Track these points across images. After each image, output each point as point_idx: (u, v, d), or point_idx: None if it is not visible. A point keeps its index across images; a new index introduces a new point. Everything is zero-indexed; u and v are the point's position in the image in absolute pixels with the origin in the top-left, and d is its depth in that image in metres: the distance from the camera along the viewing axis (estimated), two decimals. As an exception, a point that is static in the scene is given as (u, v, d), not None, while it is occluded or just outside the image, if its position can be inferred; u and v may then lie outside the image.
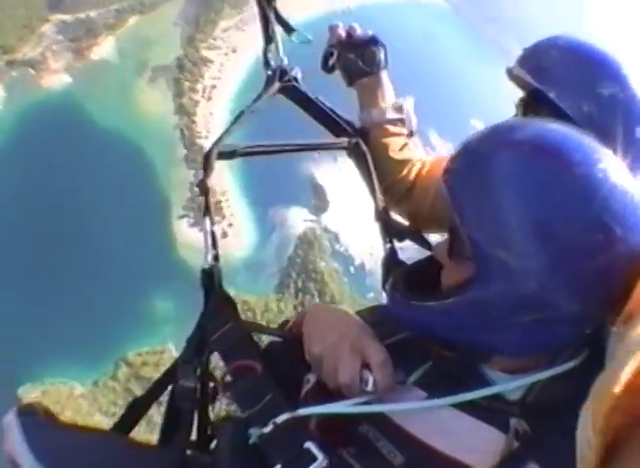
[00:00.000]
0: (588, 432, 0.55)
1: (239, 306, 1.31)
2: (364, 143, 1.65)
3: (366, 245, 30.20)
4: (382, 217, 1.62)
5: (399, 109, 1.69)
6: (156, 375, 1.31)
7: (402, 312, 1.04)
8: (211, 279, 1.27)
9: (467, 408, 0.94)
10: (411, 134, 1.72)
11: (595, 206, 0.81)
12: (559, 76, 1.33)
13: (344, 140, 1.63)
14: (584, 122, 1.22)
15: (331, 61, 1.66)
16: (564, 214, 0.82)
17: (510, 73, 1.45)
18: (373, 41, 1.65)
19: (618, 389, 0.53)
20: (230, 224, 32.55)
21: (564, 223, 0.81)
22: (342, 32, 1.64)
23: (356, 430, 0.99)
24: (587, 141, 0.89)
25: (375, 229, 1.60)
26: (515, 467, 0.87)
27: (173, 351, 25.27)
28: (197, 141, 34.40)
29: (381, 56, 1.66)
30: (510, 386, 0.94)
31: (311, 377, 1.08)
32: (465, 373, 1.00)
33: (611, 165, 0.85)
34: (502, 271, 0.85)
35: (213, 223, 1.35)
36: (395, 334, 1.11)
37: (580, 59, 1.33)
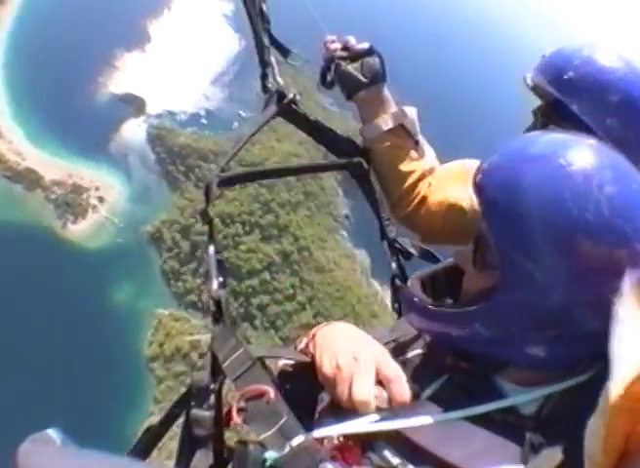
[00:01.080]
0: (599, 439, 0.56)
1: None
2: (366, 162, 1.64)
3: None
4: (388, 237, 1.60)
5: (401, 119, 1.63)
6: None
7: (418, 316, 1.04)
8: (219, 307, 1.27)
9: (482, 421, 0.92)
10: (416, 143, 1.66)
11: (620, 223, 0.81)
12: (582, 88, 1.28)
13: (346, 161, 1.62)
14: (608, 136, 1.19)
15: (329, 77, 1.63)
16: (588, 230, 0.81)
17: (528, 81, 1.41)
18: (370, 51, 1.61)
19: (617, 397, 0.53)
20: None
21: (589, 239, 0.81)
22: (338, 45, 1.61)
23: (371, 446, 0.99)
24: (618, 160, 0.88)
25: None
26: None
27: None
28: None
29: (379, 66, 1.60)
30: (525, 399, 0.93)
31: (325, 396, 1.08)
32: (479, 386, 0.98)
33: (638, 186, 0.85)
34: (527, 282, 0.84)
35: (217, 251, 1.35)
36: (411, 349, 1.10)
37: (604, 72, 1.28)
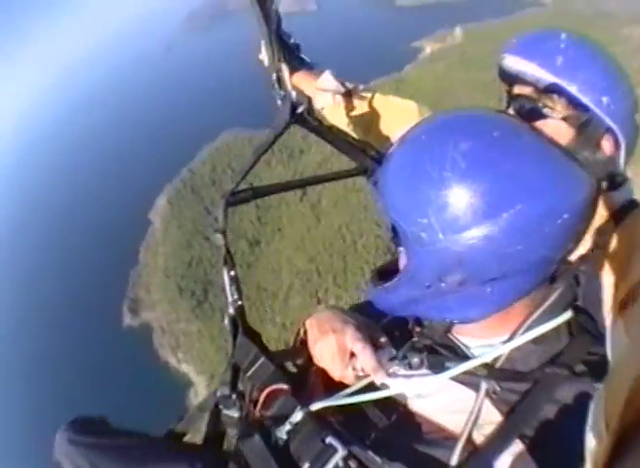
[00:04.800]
0: (600, 427, 0.58)
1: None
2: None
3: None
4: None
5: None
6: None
7: (371, 295, 1.16)
8: (235, 321, 1.36)
9: (442, 371, 1.06)
10: (349, 93, 1.75)
11: (478, 172, 0.90)
12: (578, 68, 1.31)
13: (362, 167, 1.60)
14: (606, 114, 1.28)
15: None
16: (449, 185, 0.90)
17: (509, 68, 1.39)
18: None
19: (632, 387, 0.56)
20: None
21: (452, 191, 0.90)
22: None
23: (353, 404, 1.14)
24: (477, 120, 0.99)
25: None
26: (500, 444, 0.95)
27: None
28: None
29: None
30: (487, 357, 1.04)
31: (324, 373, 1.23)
32: (441, 344, 1.12)
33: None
34: (419, 243, 0.95)
35: (233, 267, 1.41)
36: (382, 319, 1.26)
37: (592, 53, 1.33)
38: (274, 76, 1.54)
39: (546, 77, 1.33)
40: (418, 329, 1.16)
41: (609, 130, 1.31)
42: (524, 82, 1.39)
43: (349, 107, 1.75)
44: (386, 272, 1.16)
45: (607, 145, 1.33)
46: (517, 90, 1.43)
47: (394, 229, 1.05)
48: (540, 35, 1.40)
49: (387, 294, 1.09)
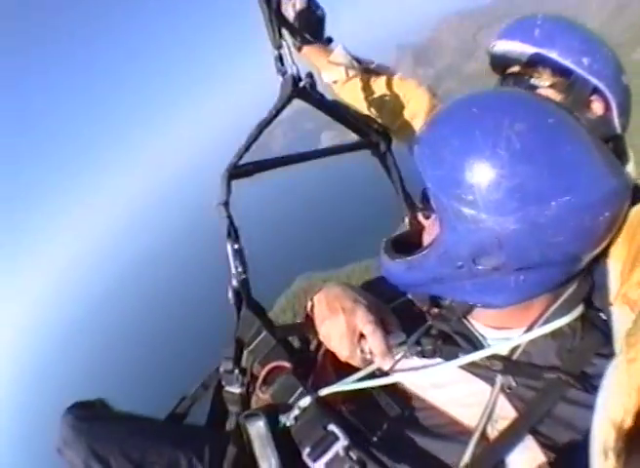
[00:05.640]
0: (624, 395, 0.57)
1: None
2: (387, 140, 1.60)
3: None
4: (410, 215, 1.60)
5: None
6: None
7: (388, 269, 1.09)
8: (239, 295, 1.35)
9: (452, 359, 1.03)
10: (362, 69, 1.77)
11: (534, 155, 0.85)
12: (554, 37, 1.40)
13: (366, 141, 1.59)
14: (590, 73, 1.35)
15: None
16: (502, 164, 0.85)
17: (497, 52, 1.49)
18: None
19: None
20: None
21: (504, 171, 0.85)
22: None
23: (362, 390, 1.11)
24: (530, 102, 0.95)
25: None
26: (512, 441, 0.92)
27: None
28: None
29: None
30: (503, 347, 1.01)
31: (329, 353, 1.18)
32: (456, 330, 1.08)
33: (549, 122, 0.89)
34: (458, 219, 0.90)
35: (238, 240, 1.41)
36: (395, 299, 1.21)
37: (568, 24, 1.43)
38: (276, 53, 1.55)
39: (528, 49, 1.41)
40: (435, 310, 1.11)
41: (596, 90, 1.37)
42: (511, 61, 1.47)
43: (362, 83, 1.76)
44: (402, 244, 1.11)
45: (597, 106, 1.38)
46: (507, 72, 1.51)
47: (425, 197, 1.02)
48: (520, 18, 1.51)
49: (409, 269, 1.03)
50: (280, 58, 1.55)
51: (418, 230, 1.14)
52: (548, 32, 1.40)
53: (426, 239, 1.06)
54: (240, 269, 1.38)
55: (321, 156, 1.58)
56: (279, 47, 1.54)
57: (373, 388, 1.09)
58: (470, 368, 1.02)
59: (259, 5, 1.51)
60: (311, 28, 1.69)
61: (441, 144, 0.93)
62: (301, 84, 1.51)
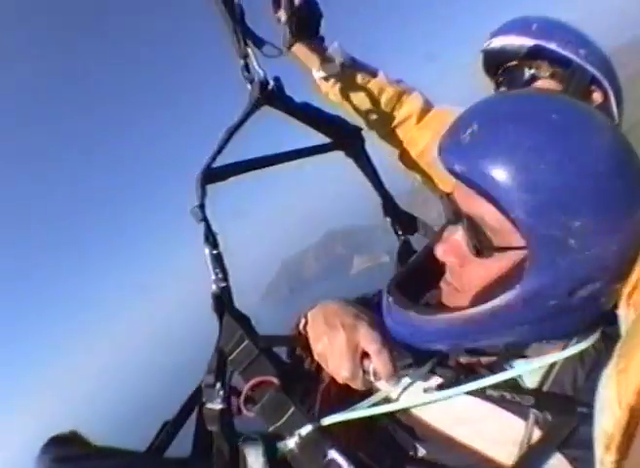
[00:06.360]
0: (614, 408, 0.55)
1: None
2: (359, 138, 1.63)
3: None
4: (391, 213, 1.60)
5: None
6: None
7: (419, 327, 0.96)
8: (221, 301, 1.28)
9: (484, 395, 0.92)
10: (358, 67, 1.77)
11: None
12: (551, 30, 1.49)
13: (338, 140, 1.60)
14: (586, 63, 1.42)
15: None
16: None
17: (493, 48, 1.54)
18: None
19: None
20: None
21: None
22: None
23: (376, 424, 1.02)
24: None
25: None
26: (539, 458, 0.85)
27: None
28: None
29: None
30: (527, 369, 0.92)
31: (326, 376, 1.09)
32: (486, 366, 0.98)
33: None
34: (561, 251, 0.78)
35: (216, 245, 1.35)
36: None
37: (560, 22, 1.52)
38: (242, 63, 1.56)
39: (527, 42, 1.47)
40: (483, 359, 0.99)
41: (594, 79, 1.43)
42: (509, 55, 1.52)
43: (357, 81, 1.78)
44: (407, 285, 1.02)
45: (596, 95, 1.45)
46: (505, 67, 1.56)
47: (474, 228, 0.86)
48: (512, 19, 1.59)
49: (454, 325, 0.89)
50: (246, 67, 1.56)
51: (424, 261, 1.06)
52: (545, 26, 1.48)
53: (476, 280, 0.91)
54: (220, 275, 1.31)
55: (295, 158, 1.57)
56: (245, 56, 1.56)
57: (387, 421, 1.00)
58: (501, 403, 0.92)
59: (220, 15, 1.54)
60: (308, 25, 1.68)
61: (531, 159, 0.77)
62: (269, 87, 1.52)
